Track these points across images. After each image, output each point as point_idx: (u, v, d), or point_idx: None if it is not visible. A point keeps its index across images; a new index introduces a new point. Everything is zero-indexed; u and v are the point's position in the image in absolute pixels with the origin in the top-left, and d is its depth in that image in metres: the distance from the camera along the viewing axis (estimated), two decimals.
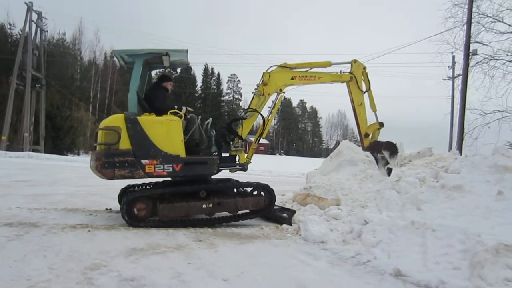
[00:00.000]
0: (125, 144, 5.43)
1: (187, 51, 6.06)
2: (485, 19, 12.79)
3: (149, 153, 5.47)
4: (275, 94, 6.88)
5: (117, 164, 5.37)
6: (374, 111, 7.25)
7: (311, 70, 6.96)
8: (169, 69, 7.43)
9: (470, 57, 13.37)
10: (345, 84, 7.31)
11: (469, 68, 13.38)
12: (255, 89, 6.75)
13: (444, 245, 4.10)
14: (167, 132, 5.55)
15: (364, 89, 7.13)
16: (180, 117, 5.81)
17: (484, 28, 12.84)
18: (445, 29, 13.86)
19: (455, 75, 24.15)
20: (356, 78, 7.06)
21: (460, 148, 13.23)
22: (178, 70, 51.05)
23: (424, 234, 4.36)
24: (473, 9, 12.99)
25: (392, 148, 6.98)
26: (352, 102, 7.19)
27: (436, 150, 7.92)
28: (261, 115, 6.71)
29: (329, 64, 7.00)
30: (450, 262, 3.84)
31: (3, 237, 4.44)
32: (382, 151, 6.98)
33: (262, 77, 6.68)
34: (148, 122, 5.55)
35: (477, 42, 13.18)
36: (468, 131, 13.09)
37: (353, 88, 7.12)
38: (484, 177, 5.52)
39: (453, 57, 23.91)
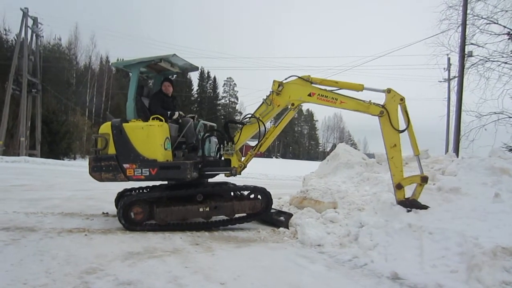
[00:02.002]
0: (111, 149, 5.70)
1: (173, 55, 6.17)
2: (479, 21, 12.92)
3: (130, 157, 5.64)
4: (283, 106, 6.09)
5: (103, 168, 5.66)
6: (416, 155, 5.54)
7: (336, 91, 5.79)
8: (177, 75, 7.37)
9: (465, 59, 13.46)
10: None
11: (464, 70, 13.48)
12: (267, 96, 6.06)
13: (441, 248, 4.12)
14: (146, 137, 5.66)
15: (401, 126, 5.47)
16: (166, 121, 5.85)
17: (479, 30, 12.97)
18: (439, 31, 13.94)
19: (451, 77, 24.26)
20: (389, 113, 5.46)
21: (456, 150, 13.30)
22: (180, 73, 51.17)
23: (421, 237, 4.37)
24: (468, 11, 13.11)
25: None
26: (384, 142, 5.56)
27: (433, 153, 7.97)
28: (263, 124, 6.04)
29: (361, 88, 5.73)
30: (447, 265, 3.85)
31: (0, 242, 4.43)
32: None
33: (278, 86, 5.91)
34: (131, 128, 5.72)
35: (472, 44, 13.29)
36: (464, 133, 13.16)
37: (384, 126, 5.52)
38: (481, 179, 5.55)
39: (449, 59, 24.02)
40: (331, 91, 5.82)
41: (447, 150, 17.83)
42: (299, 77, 5.91)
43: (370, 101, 5.62)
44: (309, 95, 5.85)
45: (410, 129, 5.47)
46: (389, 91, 5.55)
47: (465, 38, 13.15)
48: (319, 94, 5.81)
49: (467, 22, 13.06)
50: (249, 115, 6.21)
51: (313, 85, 5.87)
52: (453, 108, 15.51)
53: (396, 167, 5.46)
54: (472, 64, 13.16)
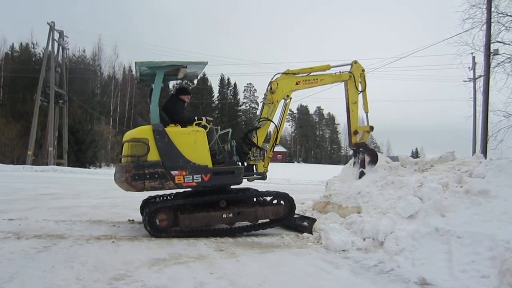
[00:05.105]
0: (153, 155, 5.49)
1: (206, 63, 6.13)
2: (505, 18, 12.56)
3: (178, 164, 5.54)
4: (282, 101, 6.93)
5: (148, 176, 5.42)
6: (366, 112, 7.48)
7: (313, 74, 7.06)
8: (185, 81, 7.46)
9: (491, 57, 13.08)
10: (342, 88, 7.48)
11: (490, 68, 13.09)
12: (263, 98, 6.80)
13: (470, 252, 4.01)
14: (194, 142, 5.64)
15: (360, 89, 7.31)
16: (205, 127, 5.88)
17: (504, 28, 12.59)
18: (463, 30, 13.59)
19: (476, 77, 23.58)
20: (354, 78, 7.20)
21: (484, 151, 12.89)
22: (195, 81, 51.79)
23: (449, 241, 4.26)
24: (492, 9, 12.75)
25: (374, 158, 7.18)
26: (347, 99, 7.34)
27: (459, 154, 7.74)
28: (273, 122, 6.79)
29: (328, 67, 7.16)
30: (478, 270, 3.75)
31: (32, 249, 4.58)
32: (366, 155, 7.22)
33: (269, 85, 6.74)
34: (176, 133, 5.63)
35: (498, 41, 12.90)
36: (492, 134, 12.79)
37: (350, 86, 7.26)
38: (511, 181, 5.36)
39: (473, 58, 23.41)
40: (308, 74, 7.02)
41: (474, 152, 17.32)
42: (282, 73, 6.85)
43: (340, 71, 7.24)
44: (296, 83, 6.89)
45: (364, 92, 7.35)
46: (355, 62, 7.31)
47: (490, 36, 12.76)
48: (303, 80, 6.95)
49: (492, 20, 12.69)
50: (263, 119, 6.67)
51: (295, 75, 6.91)
52: (479, 108, 15.06)
53: (354, 118, 7.38)
54: (499, 63, 12.79)
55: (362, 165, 7.17)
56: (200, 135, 5.71)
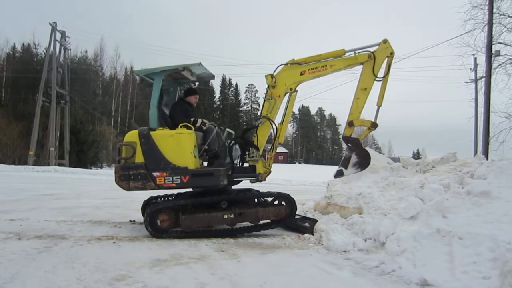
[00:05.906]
0: (139, 158, 5.67)
1: (199, 64, 6.18)
2: (506, 20, 12.56)
3: (160, 165, 5.65)
4: (287, 95, 6.47)
5: (132, 177, 5.63)
6: (379, 105, 6.35)
7: (322, 61, 6.26)
8: (193, 83, 7.43)
9: (492, 58, 13.08)
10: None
11: (492, 69, 13.09)
12: (265, 94, 6.41)
13: (472, 253, 4.00)
14: (177, 145, 5.69)
15: (380, 75, 6.11)
16: (191, 129, 5.89)
17: (506, 29, 12.61)
18: (464, 31, 13.58)
19: (478, 78, 23.54)
20: (375, 60, 6.03)
21: (485, 152, 12.89)
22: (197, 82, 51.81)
23: (451, 242, 4.26)
24: (494, 10, 12.75)
25: (364, 160, 6.27)
26: (358, 84, 6.25)
27: (461, 155, 7.73)
28: (271, 121, 6.34)
29: (343, 52, 6.19)
30: (479, 271, 3.74)
31: (33, 249, 4.59)
32: (355, 154, 6.32)
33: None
34: (160, 136, 5.74)
35: (499, 43, 12.93)
36: (493, 135, 12.80)
37: (366, 69, 6.10)
38: None
39: (475, 59, 23.38)
40: (319, 61, 6.26)
41: (475, 153, 17.30)
42: (285, 64, 6.27)
43: (354, 52, 6.16)
44: (301, 74, 6.23)
45: (385, 81, 6.14)
46: (385, 41, 6.12)
47: (492, 37, 12.77)
48: (309, 69, 6.22)
49: (494, 21, 12.70)
50: (262, 117, 6.38)
51: (300, 65, 6.25)
52: (481, 109, 15.07)
53: (357, 107, 6.27)
54: (500, 64, 12.81)
55: (344, 164, 6.34)
56: (183, 137, 5.73)
